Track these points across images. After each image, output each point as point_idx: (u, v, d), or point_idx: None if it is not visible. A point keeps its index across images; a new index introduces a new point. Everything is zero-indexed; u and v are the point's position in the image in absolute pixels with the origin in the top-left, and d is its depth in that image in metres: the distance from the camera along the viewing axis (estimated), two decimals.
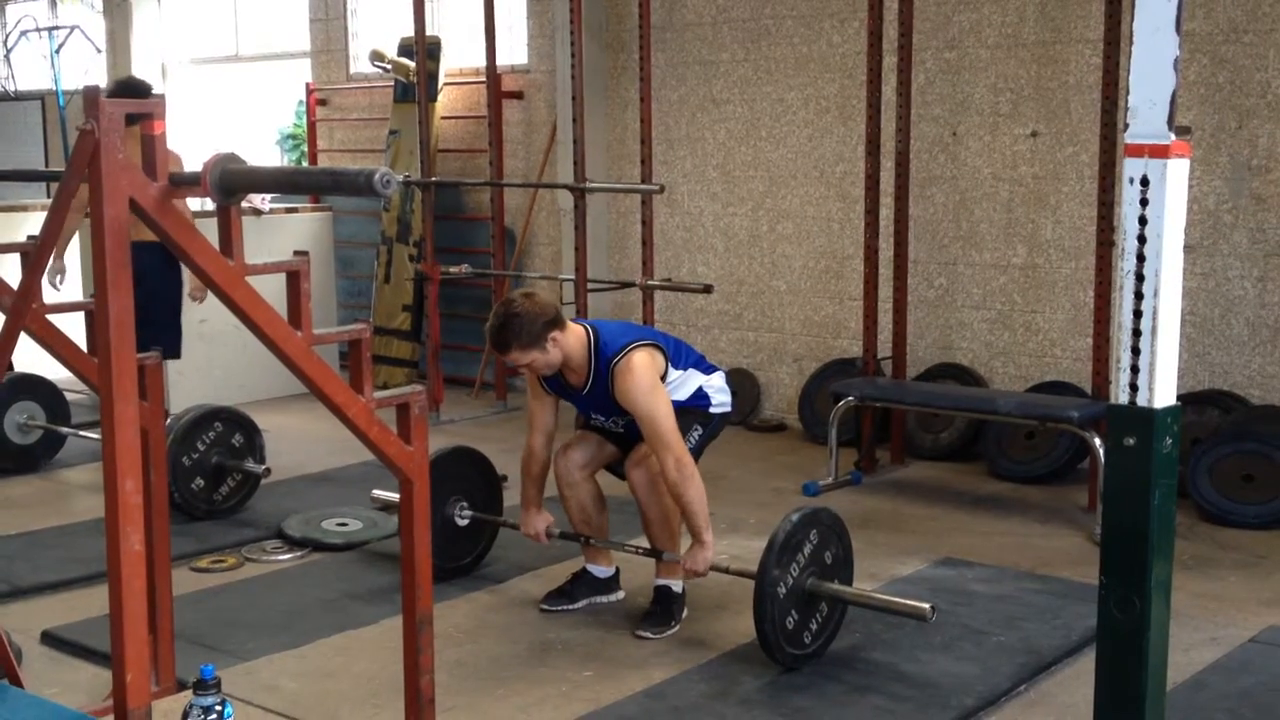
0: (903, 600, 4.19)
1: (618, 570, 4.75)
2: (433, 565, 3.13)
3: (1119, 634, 2.76)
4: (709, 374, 4.56)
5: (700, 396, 4.52)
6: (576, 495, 4.60)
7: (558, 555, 5.02)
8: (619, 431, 4.54)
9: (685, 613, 4.53)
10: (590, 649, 4.32)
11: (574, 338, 4.32)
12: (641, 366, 4.26)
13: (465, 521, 4.90)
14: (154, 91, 7.08)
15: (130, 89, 6.33)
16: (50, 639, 4.40)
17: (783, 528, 4.08)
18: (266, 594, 4.86)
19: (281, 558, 5.28)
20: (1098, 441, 5.43)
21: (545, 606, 4.65)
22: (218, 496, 5.80)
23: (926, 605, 4.03)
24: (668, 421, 4.23)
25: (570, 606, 4.64)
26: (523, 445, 4.60)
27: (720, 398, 4.58)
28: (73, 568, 5.08)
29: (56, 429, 6.83)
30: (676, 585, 4.52)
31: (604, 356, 4.30)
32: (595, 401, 4.43)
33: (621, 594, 4.74)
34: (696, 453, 4.48)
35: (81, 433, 6.75)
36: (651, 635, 4.39)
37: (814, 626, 4.14)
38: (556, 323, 4.26)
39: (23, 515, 5.95)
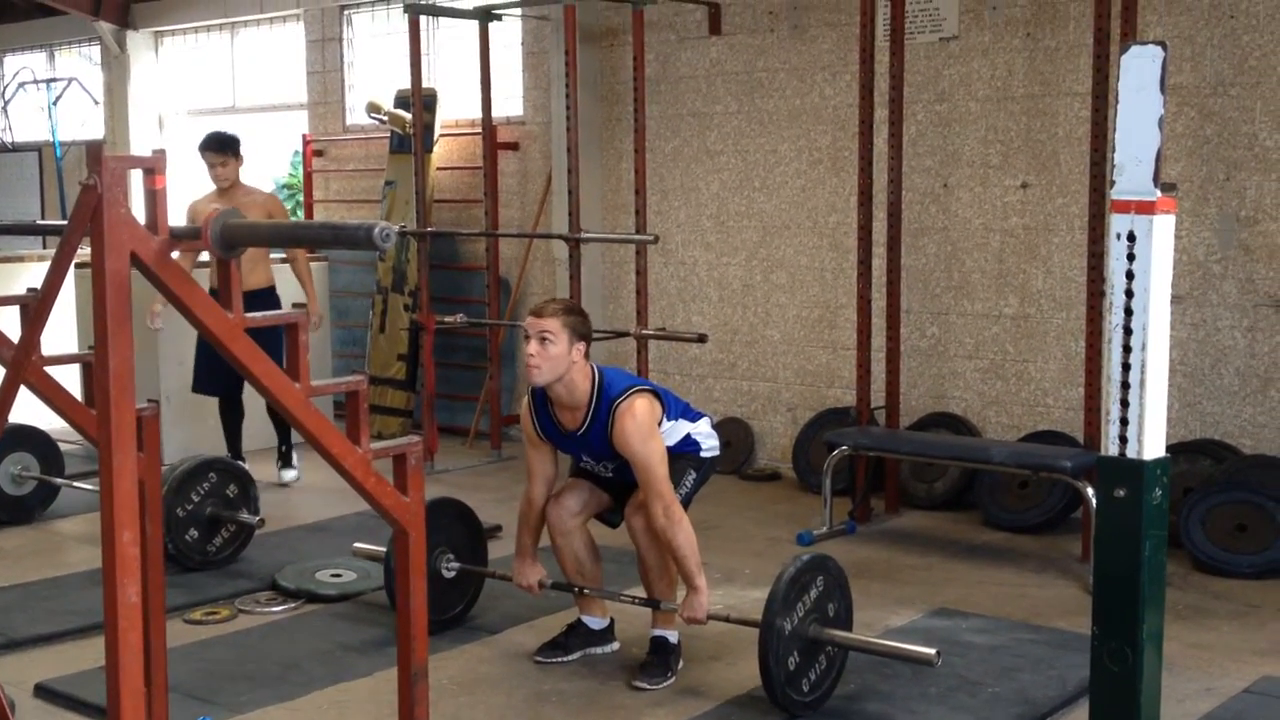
0: (908, 646, 4.19)
1: (612, 621, 4.75)
2: None
3: (1111, 685, 2.77)
4: (695, 421, 4.59)
5: (690, 443, 4.54)
6: (570, 544, 4.60)
7: (551, 606, 5.01)
8: (608, 476, 4.55)
9: (681, 663, 4.53)
10: (586, 700, 4.31)
11: (584, 372, 4.36)
12: (643, 412, 4.31)
13: (452, 574, 4.89)
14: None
15: (215, 139, 7.12)
16: (44, 692, 4.38)
17: (793, 565, 4.11)
18: (260, 646, 4.85)
19: (275, 609, 5.27)
20: (1091, 491, 5.44)
21: (540, 658, 4.64)
22: (211, 548, 5.79)
23: (932, 650, 4.03)
24: (661, 469, 4.27)
25: (565, 658, 4.63)
26: (518, 494, 4.61)
27: (709, 442, 4.61)
28: (67, 620, 5.06)
29: (50, 480, 6.81)
30: (673, 636, 4.52)
31: (608, 396, 4.34)
32: (589, 443, 4.45)
33: (616, 645, 4.73)
34: (690, 497, 4.52)
35: (76, 484, 6.73)
36: (648, 686, 4.39)
37: (813, 676, 4.13)
38: (588, 341, 4.35)
39: (16, 567, 5.93)
